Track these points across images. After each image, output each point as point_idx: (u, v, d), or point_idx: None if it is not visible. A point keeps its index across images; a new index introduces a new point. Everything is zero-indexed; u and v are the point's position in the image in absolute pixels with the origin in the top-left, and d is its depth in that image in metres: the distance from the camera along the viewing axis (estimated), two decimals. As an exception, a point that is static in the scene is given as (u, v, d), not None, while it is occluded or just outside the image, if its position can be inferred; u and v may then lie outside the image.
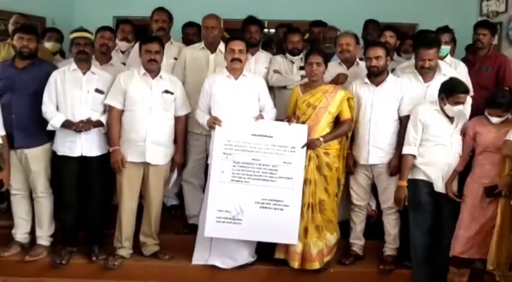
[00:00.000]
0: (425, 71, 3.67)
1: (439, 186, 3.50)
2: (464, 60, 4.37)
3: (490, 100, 3.42)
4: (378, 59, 3.60)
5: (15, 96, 3.59)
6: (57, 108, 3.60)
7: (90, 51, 3.65)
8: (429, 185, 3.53)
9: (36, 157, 3.67)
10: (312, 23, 4.78)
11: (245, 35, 4.24)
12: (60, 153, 3.64)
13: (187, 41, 4.57)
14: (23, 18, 4.32)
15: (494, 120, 3.39)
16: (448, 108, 3.43)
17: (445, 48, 4.03)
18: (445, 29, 4.20)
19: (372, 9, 5.19)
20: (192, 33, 4.67)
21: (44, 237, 3.77)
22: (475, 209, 3.42)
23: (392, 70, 4.02)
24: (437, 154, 3.50)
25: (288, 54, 4.23)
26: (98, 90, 3.64)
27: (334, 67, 3.98)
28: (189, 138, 3.96)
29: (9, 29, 4.29)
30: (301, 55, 4.20)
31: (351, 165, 3.75)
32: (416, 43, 3.78)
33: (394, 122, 3.68)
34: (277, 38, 4.71)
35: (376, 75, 3.66)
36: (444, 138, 3.49)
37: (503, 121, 3.40)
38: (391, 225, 3.74)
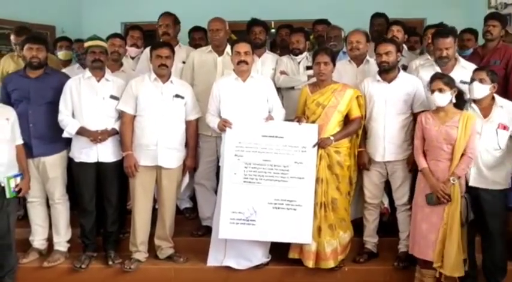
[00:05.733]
0: (444, 61, 3.64)
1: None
2: (473, 53, 4.33)
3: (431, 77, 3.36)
4: (388, 55, 3.58)
5: (32, 106, 3.65)
6: (73, 116, 3.65)
7: (104, 59, 3.70)
8: None
9: (54, 164, 3.73)
10: (315, 21, 4.78)
11: (250, 36, 4.27)
12: (77, 160, 3.70)
13: (194, 45, 4.60)
14: (24, 31, 4.23)
15: (438, 96, 3.28)
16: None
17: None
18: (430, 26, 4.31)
19: (380, 5, 5.16)
20: (198, 38, 4.69)
21: (61, 243, 3.83)
22: (426, 208, 3.38)
23: (404, 67, 4.00)
24: None
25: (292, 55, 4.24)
26: (113, 97, 3.69)
27: (344, 65, 3.96)
28: (199, 140, 3.98)
29: (11, 40, 4.30)
30: (306, 54, 4.21)
31: (365, 163, 3.73)
32: (433, 35, 3.77)
33: (408, 118, 3.66)
34: (280, 39, 4.71)
35: (387, 72, 3.63)
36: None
37: (442, 116, 3.34)
38: (405, 222, 3.72)
